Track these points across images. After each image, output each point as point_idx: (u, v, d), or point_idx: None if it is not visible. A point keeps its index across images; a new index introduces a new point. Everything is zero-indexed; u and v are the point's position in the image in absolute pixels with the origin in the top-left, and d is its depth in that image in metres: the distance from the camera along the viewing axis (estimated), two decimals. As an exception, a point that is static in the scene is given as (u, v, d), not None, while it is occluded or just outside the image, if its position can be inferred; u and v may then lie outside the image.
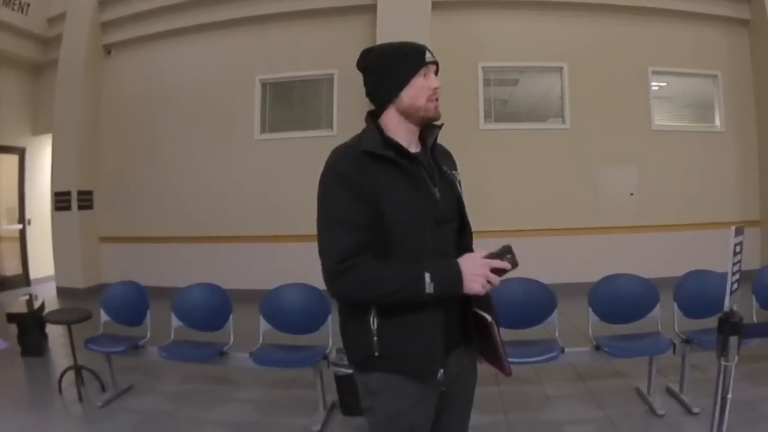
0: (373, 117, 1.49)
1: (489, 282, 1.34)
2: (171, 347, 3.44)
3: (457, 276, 1.32)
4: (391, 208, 1.35)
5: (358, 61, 1.50)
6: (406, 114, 1.44)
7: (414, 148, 1.48)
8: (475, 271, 1.33)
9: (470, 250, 1.53)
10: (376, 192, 1.35)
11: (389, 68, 1.44)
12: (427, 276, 1.30)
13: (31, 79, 8.33)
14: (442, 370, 1.39)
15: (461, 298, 1.40)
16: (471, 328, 1.49)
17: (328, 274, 1.34)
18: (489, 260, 1.34)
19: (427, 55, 1.45)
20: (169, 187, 7.30)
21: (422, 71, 1.43)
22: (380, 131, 1.45)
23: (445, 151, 1.60)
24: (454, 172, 1.54)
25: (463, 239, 1.51)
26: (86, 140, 7.45)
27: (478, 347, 1.54)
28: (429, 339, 1.38)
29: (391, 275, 1.32)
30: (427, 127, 1.49)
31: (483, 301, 1.52)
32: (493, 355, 1.48)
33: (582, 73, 6.73)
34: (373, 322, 1.38)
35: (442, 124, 1.52)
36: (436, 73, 1.48)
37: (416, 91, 1.42)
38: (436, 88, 1.44)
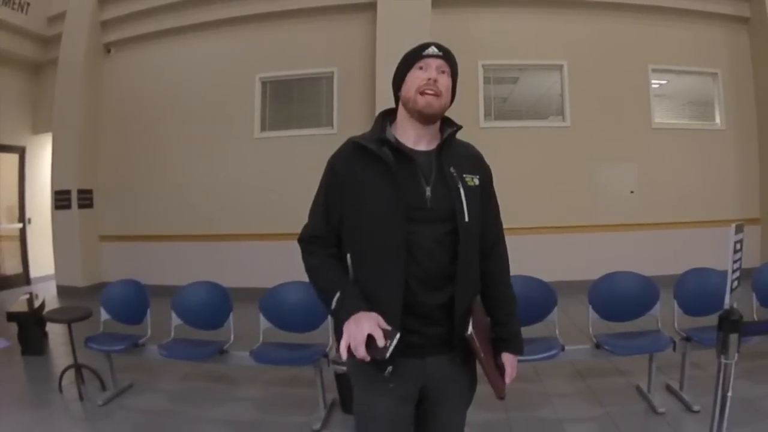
0: (387, 113, 1.54)
1: (350, 346, 1.28)
2: (171, 346, 3.44)
3: (346, 317, 1.31)
4: (364, 201, 1.39)
5: None
6: (407, 109, 1.46)
7: (425, 145, 1.47)
8: (351, 328, 1.29)
9: (503, 277, 1.63)
10: (359, 185, 1.40)
11: (397, 68, 1.50)
12: (337, 294, 1.37)
13: (31, 78, 8.31)
14: (390, 368, 1.34)
15: (446, 306, 1.40)
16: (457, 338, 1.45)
17: (299, 243, 1.52)
18: (375, 330, 1.27)
19: (429, 49, 1.45)
20: (169, 186, 7.29)
21: (418, 64, 1.44)
22: (383, 126, 1.48)
23: (469, 154, 1.53)
24: (467, 175, 1.45)
25: (455, 246, 1.40)
26: (86, 139, 7.44)
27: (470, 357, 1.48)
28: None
29: (324, 274, 1.43)
30: (446, 127, 1.50)
31: (500, 313, 1.59)
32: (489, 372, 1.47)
33: (582, 71, 6.72)
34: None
35: (460, 126, 1.50)
36: (454, 74, 1.48)
37: (409, 84, 1.44)
38: (429, 79, 1.41)
